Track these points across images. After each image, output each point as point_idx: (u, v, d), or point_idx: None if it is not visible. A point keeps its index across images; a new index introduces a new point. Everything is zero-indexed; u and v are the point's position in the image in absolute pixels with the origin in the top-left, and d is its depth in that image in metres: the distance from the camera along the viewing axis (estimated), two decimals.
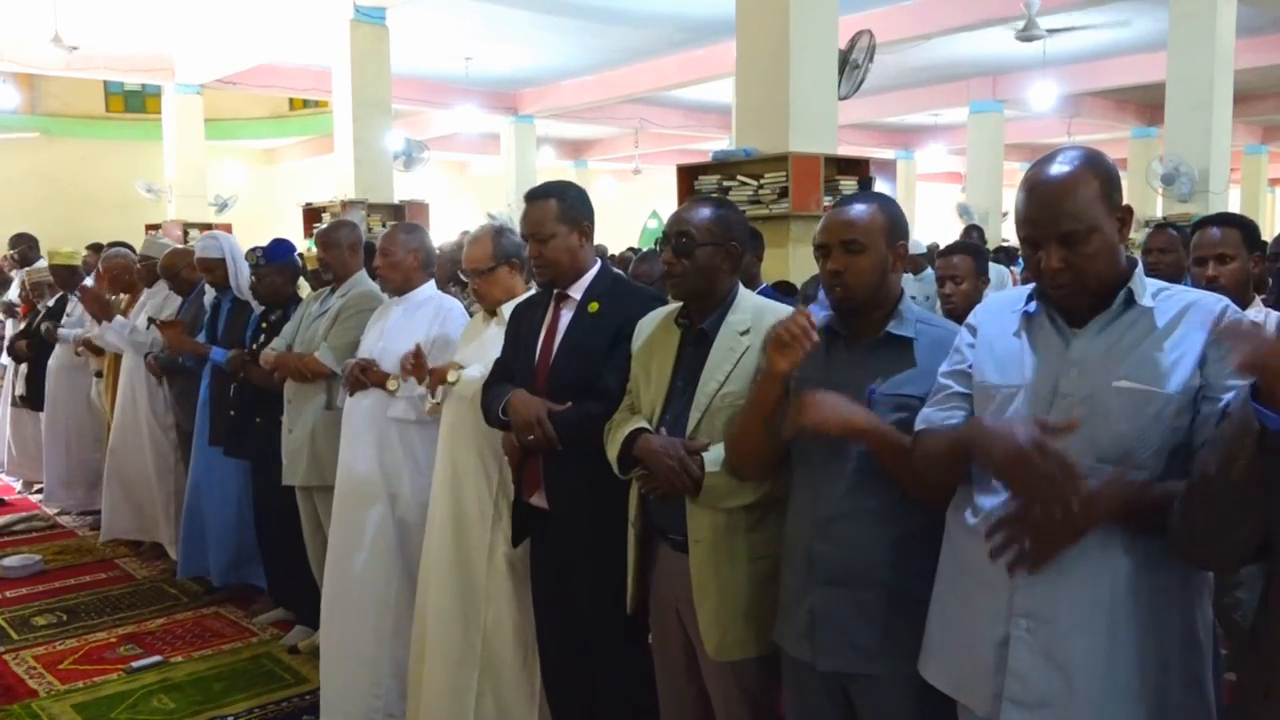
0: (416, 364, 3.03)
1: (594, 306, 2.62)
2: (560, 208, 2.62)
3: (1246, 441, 1.32)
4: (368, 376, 3.34)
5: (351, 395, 3.39)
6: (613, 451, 2.31)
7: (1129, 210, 1.66)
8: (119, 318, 5.12)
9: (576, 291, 2.66)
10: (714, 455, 2.13)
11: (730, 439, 2.13)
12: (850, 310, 2.00)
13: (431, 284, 3.52)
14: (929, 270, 7.34)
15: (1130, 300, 1.63)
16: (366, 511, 3.34)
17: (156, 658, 4.01)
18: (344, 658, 3.35)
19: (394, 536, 3.32)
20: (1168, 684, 1.57)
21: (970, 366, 1.78)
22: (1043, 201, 1.62)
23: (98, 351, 5.62)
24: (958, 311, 3.15)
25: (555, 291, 2.70)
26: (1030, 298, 1.73)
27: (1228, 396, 1.50)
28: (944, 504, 1.80)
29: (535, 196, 2.66)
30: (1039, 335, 1.69)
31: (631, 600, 2.41)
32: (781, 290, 4.47)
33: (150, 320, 5.07)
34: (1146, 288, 1.65)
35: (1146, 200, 9.19)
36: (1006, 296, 1.82)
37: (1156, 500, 1.52)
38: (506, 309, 2.96)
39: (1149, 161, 9.19)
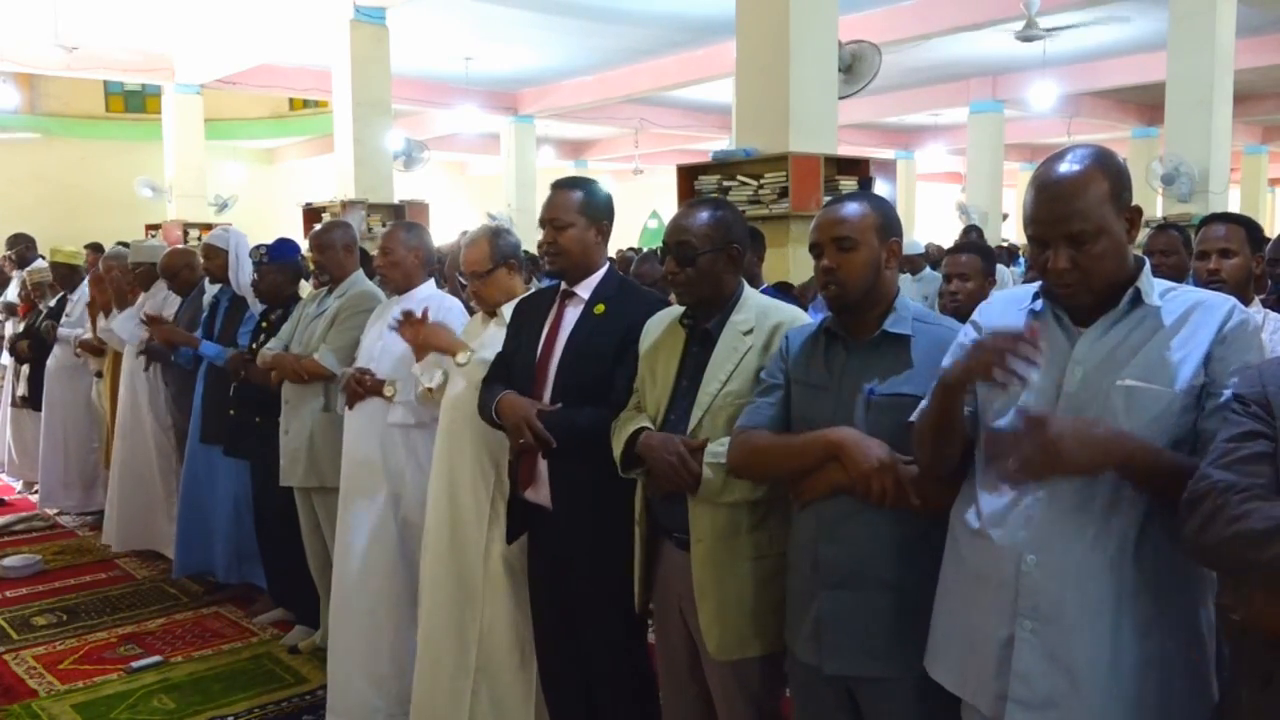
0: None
1: (601, 308, 2.60)
2: (583, 200, 2.63)
3: None
4: (364, 386, 3.34)
5: (351, 408, 3.38)
6: (617, 449, 2.31)
7: (1138, 211, 1.64)
8: (128, 309, 5.10)
9: (584, 290, 2.65)
10: (712, 450, 2.12)
11: (749, 462, 2.05)
12: (845, 309, 2.00)
13: (431, 283, 3.52)
14: (928, 270, 7.34)
15: (1137, 299, 1.62)
16: (370, 512, 3.34)
17: (156, 658, 4.00)
18: (348, 657, 3.35)
19: (397, 537, 3.31)
20: (1172, 683, 1.57)
21: None
22: (1051, 200, 1.61)
23: (97, 352, 5.61)
24: (962, 310, 3.13)
25: (561, 289, 2.69)
26: (1036, 296, 1.72)
27: (1228, 392, 1.50)
28: (948, 508, 1.80)
29: (562, 185, 2.68)
30: (1044, 333, 1.67)
31: (639, 599, 2.41)
32: (781, 290, 4.46)
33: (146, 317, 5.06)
34: (1154, 287, 1.63)
35: (1146, 200, 9.14)
36: (1012, 294, 1.81)
37: (1169, 467, 1.50)
38: (506, 309, 2.95)
39: (1149, 161, 9.18)
